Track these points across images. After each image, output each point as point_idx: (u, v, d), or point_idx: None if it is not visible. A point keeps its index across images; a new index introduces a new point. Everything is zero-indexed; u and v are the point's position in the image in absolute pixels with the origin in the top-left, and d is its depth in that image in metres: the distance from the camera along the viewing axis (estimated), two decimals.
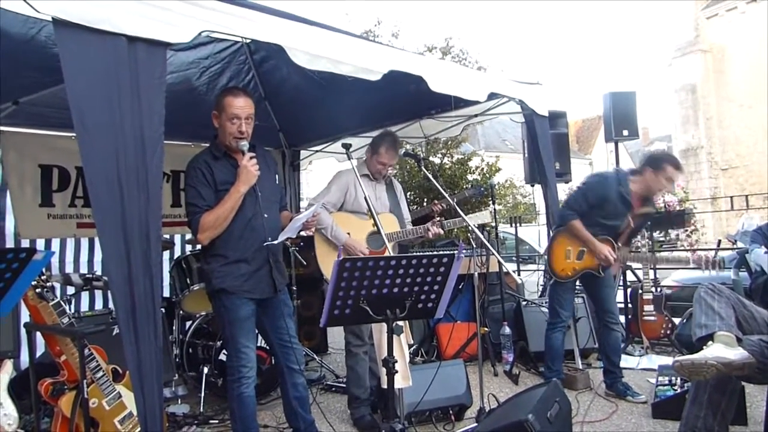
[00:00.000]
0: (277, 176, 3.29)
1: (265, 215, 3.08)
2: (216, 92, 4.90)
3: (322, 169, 7.50)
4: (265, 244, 3.06)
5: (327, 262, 3.81)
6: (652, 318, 5.54)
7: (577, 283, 4.45)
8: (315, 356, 5.58)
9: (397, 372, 2.44)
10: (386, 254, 3.37)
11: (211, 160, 3.05)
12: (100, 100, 2.32)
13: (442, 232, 3.88)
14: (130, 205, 2.36)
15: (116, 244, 2.34)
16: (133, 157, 2.38)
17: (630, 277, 6.08)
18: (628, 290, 5.93)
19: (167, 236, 5.50)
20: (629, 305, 5.78)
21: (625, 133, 6.03)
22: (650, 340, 5.58)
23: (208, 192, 2.98)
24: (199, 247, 4.78)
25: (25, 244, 4.94)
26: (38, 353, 4.21)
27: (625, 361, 5.13)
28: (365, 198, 3.36)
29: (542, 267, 4.34)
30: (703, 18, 24.34)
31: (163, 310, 4.26)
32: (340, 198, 3.92)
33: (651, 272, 5.84)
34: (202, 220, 2.93)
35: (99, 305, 5.46)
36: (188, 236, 5.49)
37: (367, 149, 4.12)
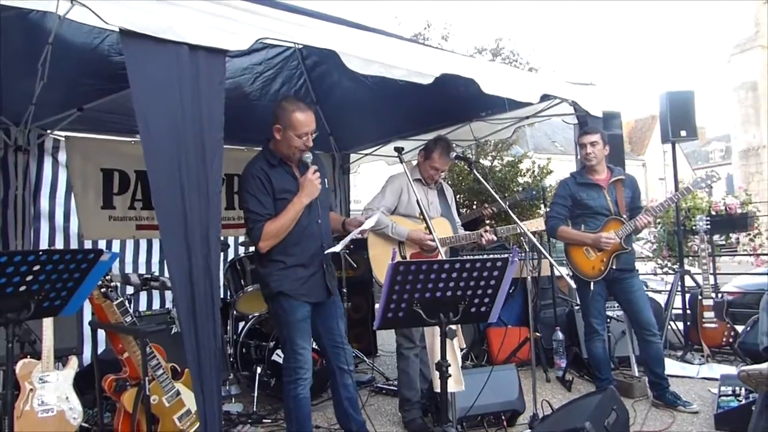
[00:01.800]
0: (326, 180, 3.33)
1: (319, 221, 3.17)
2: (269, 98, 5.08)
3: (370, 173, 7.53)
4: (327, 251, 3.13)
5: (380, 265, 3.82)
6: (713, 325, 5.36)
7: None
8: (365, 358, 5.61)
9: (450, 376, 2.44)
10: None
11: (268, 167, 3.09)
12: (163, 106, 2.41)
13: (495, 238, 3.88)
14: (191, 208, 2.45)
15: (178, 247, 2.43)
16: (194, 162, 2.46)
17: (689, 282, 5.89)
18: (687, 296, 5.75)
19: (222, 238, 5.63)
20: (688, 311, 5.61)
21: (683, 133, 5.86)
22: (711, 348, 5.39)
23: (268, 200, 3.04)
24: (252, 249, 4.95)
25: (87, 245, 5.17)
26: (99, 350, 4.40)
27: (684, 370, 5.01)
28: (417, 202, 3.38)
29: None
30: (763, 12, 23.35)
31: None
32: (394, 201, 3.94)
33: (711, 277, 5.65)
34: (265, 229, 2.99)
35: (156, 305, 5.63)
36: (242, 238, 5.61)
37: (419, 153, 4.14)
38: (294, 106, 3.02)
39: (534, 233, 3.72)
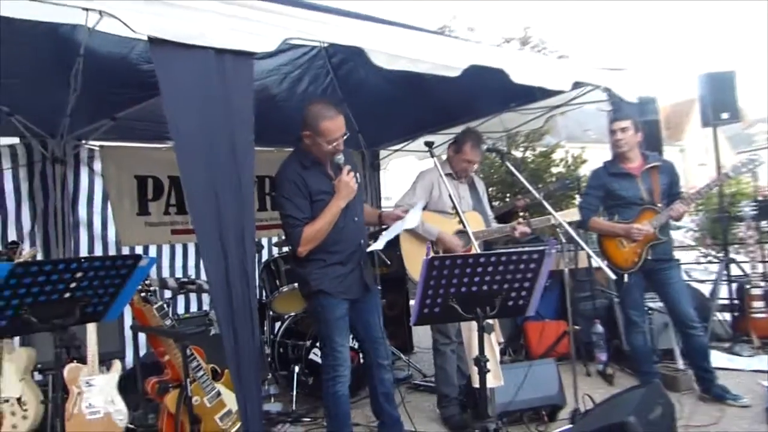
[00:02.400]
0: (358, 175, 3.34)
1: (356, 219, 3.24)
2: (296, 98, 5.10)
3: (399, 169, 7.53)
4: (369, 249, 3.20)
5: (413, 261, 3.82)
6: (763, 315, 5.22)
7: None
8: (402, 355, 5.64)
9: (488, 371, 2.44)
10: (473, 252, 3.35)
11: (301, 169, 3.12)
12: (193, 111, 2.47)
13: (529, 231, 3.84)
14: (226, 211, 2.50)
15: (214, 249, 2.48)
16: (226, 165, 2.51)
17: (734, 270, 5.74)
18: (734, 285, 5.60)
19: (256, 240, 5.73)
20: (735, 301, 5.47)
21: (725, 116, 5.71)
22: (761, 339, 5.24)
23: (305, 204, 3.08)
24: (286, 249, 5.02)
25: (125, 251, 5.29)
26: (141, 353, 4.51)
27: (732, 362, 4.90)
28: (450, 196, 3.38)
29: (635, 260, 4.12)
30: None
31: None
32: (425, 197, 3.94)
33: (759, 265, 5.49)
34: (304, 233, 3.05)
35: (193, 308, 5.74)
36: (275, 239, 5.71)
37: (449, 147, 4.13)
38: (322, 113, 3.03)
39: (570, 224, 3.68)
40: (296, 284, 4.27)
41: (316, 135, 3.05)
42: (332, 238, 3.12)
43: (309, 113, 3.06)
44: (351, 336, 3.41)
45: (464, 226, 3.33)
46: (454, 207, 3.37)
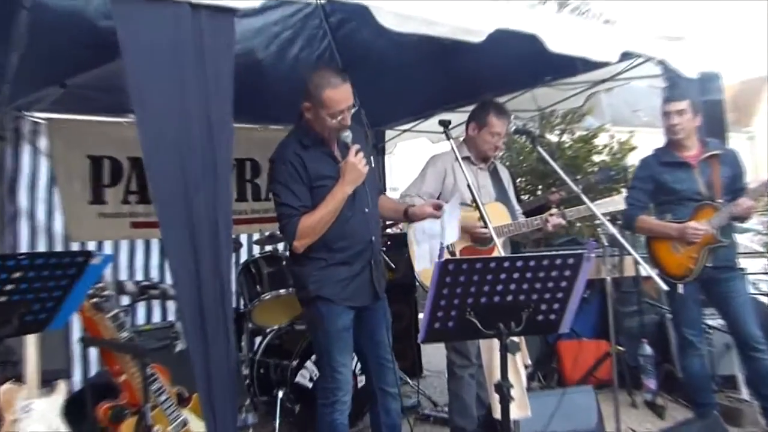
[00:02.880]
0: (371, 158, 3.34)
1: (366, 210, 3.21)
2: (286, 64, 5.07)
3: (408, 153, 7.48)
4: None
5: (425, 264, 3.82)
6: None
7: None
8: (408, 380, 5.63)
9: (512, 399, 2.41)
10: (496, 253, 3.37)
11: (301, 150, 3.13)
12: (161, 79, 2.45)
13: (563, 222, 3.85)
14: (197, 200, 2.49)
15: (182, 246, 2.48)
16: (199, 144, 2.49)
17: None
18: None
19: (234, 236, 5.71)
20: None
21: None
22: None
23: (303, 190, 3.08)
24: (269, 248, 5.04)
25: (74, 247, 5.25)
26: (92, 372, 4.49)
27: None
28: (468, 185, 3.35)
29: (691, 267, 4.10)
30: None
31: None
32: (437, 187, 3.96)
33: None
34: (300, 225, 3.03)
35: (156, 317, 5.72)
36: (256, 236, 5.67)
37: (468, 125, 4.14)
38: (324, 80, 3.05)
39: (613, 218, 3.66)
40: (281, 291, 4.34)
41: (318, 107, 3.06)
42: (336, 232, 3.12)
43: (311, 81, 3.08)
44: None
45: (485, 221, 3.29)
46: (473, 197, 3.34)
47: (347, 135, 3.11)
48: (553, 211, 3.89)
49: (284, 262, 4.71)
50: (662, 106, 4.29)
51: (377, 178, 3.53)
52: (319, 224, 3.04)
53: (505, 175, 4.27)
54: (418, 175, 4.02)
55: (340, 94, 3.04)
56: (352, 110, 3.12)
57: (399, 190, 4.21)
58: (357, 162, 3.06)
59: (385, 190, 7.02)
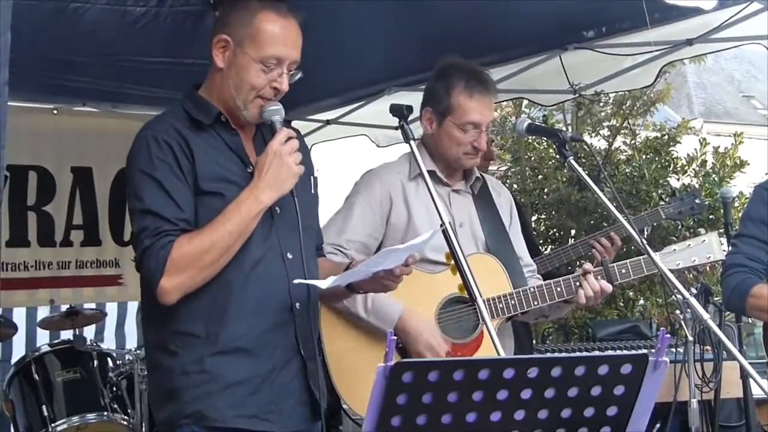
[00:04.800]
0: (312, 178, 2.62)
1: (289, 255, 2.38)
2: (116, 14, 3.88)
3: (334, 163, 6.14)
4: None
5: (354, 376, 2.86)
6: None
7: None
8: None
9: None
10: (487, 351, 2.77)
11: (189, 128, 2.37)
12: None
13: (609, 289, 2.89)
14: None
15: None
16: None
17: None
18: None
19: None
20: None
21: None
22: None
23: (185, 193, 2.29)
24: (68, 336, 4.24)
25: None
26: None
27: None
28: (444, 226, 2.34)
29: None
30: None
31: None
32: (371, 229, 3.00)
33: None
34: (176, 250, 2.22)
35: None
36: (43, 311, 4.62)
37: (422, 116, 3.07)
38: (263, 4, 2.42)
39: (706, 295, 3.44)
40: (90, 416, 3.93)
41: (243, 44, 2.35)
42: (234, 288, 2.29)
43: (233, 5, 2.48)
44: None
45: (470, 292, 2.28)
46: (451, 248, 2.32)
47: (276, 111, 2.35)
48: (590, 267, 2.90)
49: (95, 362, 3.98)
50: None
51: (316, 211, 2.68)
52: (208, 254, 2.24)
53: (502, 200, 3.25)
54: (341, 209, 3.06)
55: (283, 30, 2.37)
56: (295, 75, 2.42)
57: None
58: (286, 153, 2.28)
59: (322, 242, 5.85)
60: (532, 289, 2.98)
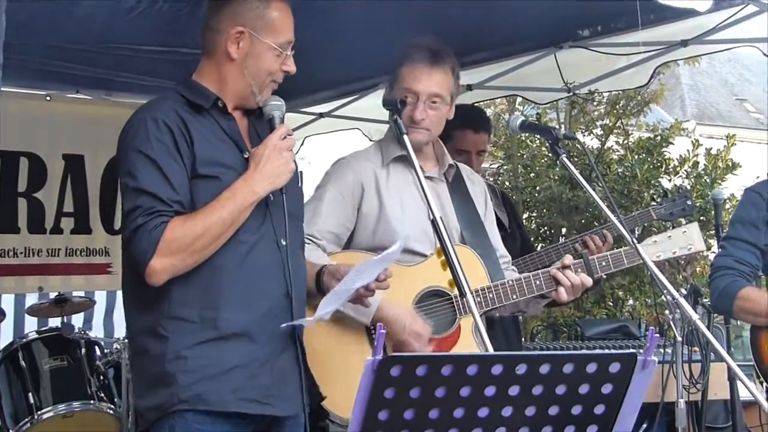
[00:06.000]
0: (299, 172, 2.63)
1: (283, 242, 2.41)
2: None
3: (329, 155, 6.20)
4: (299, 322, 2.41)
5: (335, 374, 2.68)
6: None
7: None
8: None
9: None
10: (470, 345, 2.72)
11: (187, 111, 2.39)
12: None
13: (589, 282, 2.80)
14: None
15: None
16: None
17: None
18: None
19: None
20: None
21: None
22: None
23: (180, 173, 2.30)
24: (55, 323, 4.27)
25: None
26: None
27: None
28: (433, 217, 2.33)
29: None
30: None
31: None
32: (345, 219, 2.90)
33: None
34: (168, 232, 2.22)
35: None
36: (31, 299, 4.67)
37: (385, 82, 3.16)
38: None
39: (695, 296, 3.41)
40: (75, 404, 3.86)
41: (258, 31, 2.40)
42: (229, 274, 2.30)
43: None
44: None
45: (458, 284, 2.23)
46: (441, 240, 2.30)
47: (278, 106, 2.45)
48: (570, 260, 2.81)
49: (83, 350, 3.92)
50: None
51: (303, 203, 2.72)
52: (200, 239, 2.23)
53: (477, 189, 3.15)
54: (311, 198, 2.95)
55: (289, 15, 2.49)
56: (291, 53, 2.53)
57: None
58: (284, 147, 2.36)
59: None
60: (510, 282, 2.90)
